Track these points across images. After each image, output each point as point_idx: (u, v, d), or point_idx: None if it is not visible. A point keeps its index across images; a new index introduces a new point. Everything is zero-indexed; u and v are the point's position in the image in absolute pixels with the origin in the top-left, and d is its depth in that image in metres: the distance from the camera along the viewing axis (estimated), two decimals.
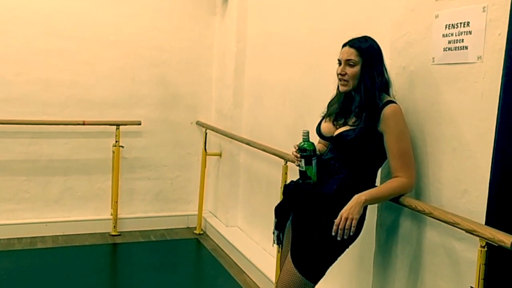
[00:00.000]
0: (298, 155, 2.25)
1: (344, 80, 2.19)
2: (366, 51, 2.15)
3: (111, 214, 4.56)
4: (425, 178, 2.18)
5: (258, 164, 4.11)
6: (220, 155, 4.65)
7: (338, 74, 2.21)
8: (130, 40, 4.56)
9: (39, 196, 4.45)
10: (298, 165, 2.27)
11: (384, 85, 2.18)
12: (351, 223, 2.05)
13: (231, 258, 4.12)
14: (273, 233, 2.43)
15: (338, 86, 2.28)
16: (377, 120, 2.13)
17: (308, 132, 2.26)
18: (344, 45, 2.22)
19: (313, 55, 3.31)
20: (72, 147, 4.50)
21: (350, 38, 2.26)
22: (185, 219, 4.86)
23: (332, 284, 2.83)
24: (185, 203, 4.91)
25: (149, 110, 4.68)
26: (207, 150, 4.65)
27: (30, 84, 4.32)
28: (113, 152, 4.47)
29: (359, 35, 2.26)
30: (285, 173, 3.12)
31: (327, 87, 3.04)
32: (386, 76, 2.20)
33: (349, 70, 2.17)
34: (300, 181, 2.29)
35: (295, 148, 2.29)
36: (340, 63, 2.21)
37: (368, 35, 2.26)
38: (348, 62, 2.17)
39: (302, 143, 2.25)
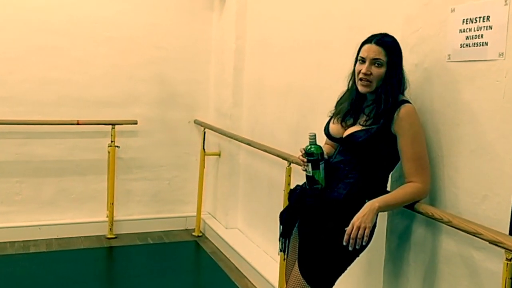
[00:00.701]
0: (305, 160, 2.12)
1: (367, 81, 2.04)
2: (393, 51, 2.02)
3: (107, 216, 4.43)
4: (440, 182, 2.06)
5: (259, 164, 3.99)
6: (219, 155, 4.53)
7: (359, 73, 2.05)
8: (126, 37, 4.43)
9: (32, 198, 4.33)
10: (305, 170, 2.14)
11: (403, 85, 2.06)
12: (364, 232, 1.92)
13: (231, 262, 4.00)
14: (279, 240, 2.30)
15: (352, 85, 2.14)
16: (390, 121, 2.00)
17: (315, 135, 2.13)
18: (367, 42, 2.06)
19: (317, 52, 3.17)
20: (66, 148, 4.37)
21: (357, 34, 2.13)
22: (183, 221, 4.74)
23: None
24: (183, 204, 4.78)
25: (146, 109, 4.55)
26: (206, 150, 4.53)
27: (22, 82, 4.19)
28: (109, 152, 4.35)
29: (368, 31, 2.13)
30: (289, 175, 2.99)
31: (332, 85, 2.93)
32: (405, 76, 2.07)
33: (375, 70, 2.02)
34: (307, 187, 2.16)
35: (301, 152, 2.16)
36: (363, 61, 2.05)
37: (377, 31, 2.13)
38: (376, 62, 2.02)
39: (309, 147, 2.12)
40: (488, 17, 1.84)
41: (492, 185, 1.83)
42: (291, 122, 3.48)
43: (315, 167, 2.11)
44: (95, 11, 4.32)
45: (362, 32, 2.22)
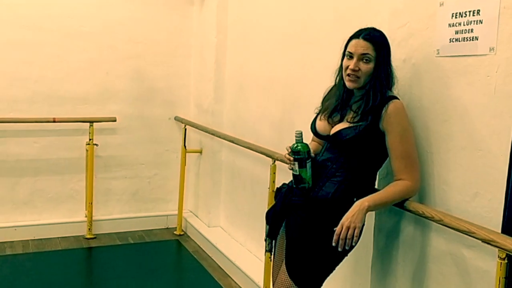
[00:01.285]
0: (291, 158, 2.07)
1: (355, 76, 1.99)
2: (382, 46, 1.97)
3: (86, 216, 4.33)
4: (429, 179, 2.02)
5: (242, 161, 3.92)
6: (200, 152, 4.45)
7: (347, 69, 2.00)
8: (103, 32, 4.30)
9: (7, 199, 4.18)
10: (291, 169, 2.09)
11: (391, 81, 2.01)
12: (354, 232, 1.87)
13: (214, 261, 3.93)
14: (265, 240, 2.25)
15: (339, 81, 2.09)
16: (378, 118, 1.95)
17: (301, 133, 2.08)
18: (355, 37, 2.00)
19: (301, 46, 3.11)
20: (42, 146, 4.24)
21: (342, 28, 2.07)
22: (165, 220, 4.65)
23: None
24: (164, 203, 4.70)
25: (124, 105, 4.44)
26: (187, 147, 4.44)
27: None
28: (87, 150, 4.24)
29: (353, 25, 2.08)
30: (273, 173, 2.93)
31: (316, 79, 2.88)
32: (394, 72, 2.02)
33: (364, 66, 1.97)
34: (294, 186, 2.11)
35: (287, 150, 2.10)
36: (350, 57, 2.00)
37: (363, 25, 2.07)
38: (364, 57, 1.97)
39: (295, 145, 2.07)
40: (478, 11, 1.80)
41: (483, 182, 1.80)
42: (274, 117, 3.42)
43: (302, 165, 2.06)
44: (70, 5, 4.17)
45: (347, 26, 2.17)
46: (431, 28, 2.01)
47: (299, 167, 2.06)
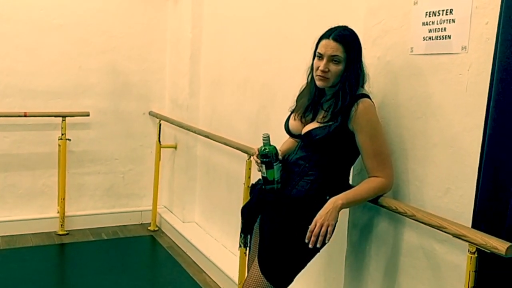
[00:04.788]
0: (259, 161, 2.08)
1: (325, 77, 1.99)
2: (352, 47, 1.96)
3: (58, 212, 4.26)
4: (403, 176, 2.06)
5: (217, 156, 3.91)
6: (175, 147, 4.42)
7: (317, 69, 2.00)
8: (76, 24, 4.23)
9: None
10: (260, 170, 2.11)
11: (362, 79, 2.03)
12: (327, 230, 1.89)
13: (189, 256, 3.92)
14: (240, 235, 2.25)
15: (311, 80, 2.09)
16: (347, 117, 1.96)
17: (268, 136, 2.10)
18: (325, 37, 1.99)
19: (277, 42, 3.12)
20: (12, 141, 4.16)
21: (318, 25, 2.08)
22: (139, 215, 4.62)
23: (298, 284, 2.68)
24: (138, 198, 4.66)
25: (98, 100, 4.38)
26: (162, 142, 4.41)
27: None
28: (59, 145, 4.17)
29: (329, 22, 2.08)
30: (249, 169, 2.93)
31: (292, 75, 2.89)
32: (365, 70, 2.04)
33: (333, 68, 1.97)
34: (263, 187, 2.12)
35: (255, 152, 2.12)
36: (320, 57, 2.00)
37: (339, 22, 2.09)
38: (333, 58, 1.96)
39: (263, 148, 2.09)
40: (451, 10, 1.84)
41: (454, 178, 1.84)
42: (250, 113, 3.42)
43: (269, 167, 2.09)
44: None
45: (324, 23, 2.17)
46: (406, 26, 2.03)
47: (267, 169, 2.09)
